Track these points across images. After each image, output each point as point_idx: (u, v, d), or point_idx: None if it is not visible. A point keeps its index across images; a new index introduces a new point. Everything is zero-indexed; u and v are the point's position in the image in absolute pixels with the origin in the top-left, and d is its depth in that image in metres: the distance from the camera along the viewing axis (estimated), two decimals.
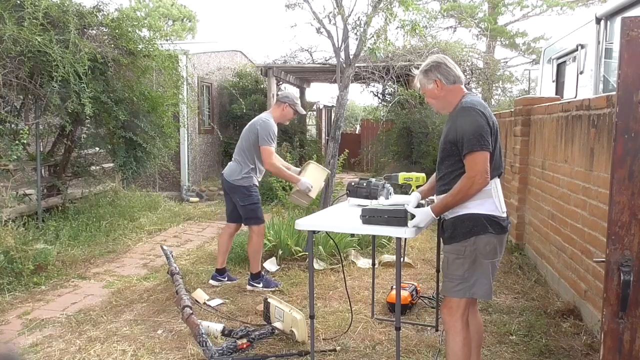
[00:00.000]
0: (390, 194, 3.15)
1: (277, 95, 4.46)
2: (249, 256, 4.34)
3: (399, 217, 2.46)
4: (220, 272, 4.44)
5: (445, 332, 2.56)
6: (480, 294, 2.41)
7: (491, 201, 2.35)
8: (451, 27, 17.09)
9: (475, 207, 2.34)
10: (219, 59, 11.36)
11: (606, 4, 5.19)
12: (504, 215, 2.39)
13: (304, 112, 4.19)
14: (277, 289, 4.24)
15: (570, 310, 3.66)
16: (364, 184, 3.10)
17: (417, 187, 2.96)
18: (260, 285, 4.26)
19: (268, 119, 4.20)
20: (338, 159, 6.27)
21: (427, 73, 2.48)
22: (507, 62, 16.05)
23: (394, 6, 8.28)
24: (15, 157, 4.89)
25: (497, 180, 2.40)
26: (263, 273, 4.40)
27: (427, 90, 2.50)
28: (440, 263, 2.86)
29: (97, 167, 7.27)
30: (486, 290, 2.41)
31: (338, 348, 3.18)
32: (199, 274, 4.71)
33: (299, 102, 4.36)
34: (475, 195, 2.31)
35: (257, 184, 4.27)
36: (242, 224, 4.37)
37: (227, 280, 4.45)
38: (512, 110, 5.90)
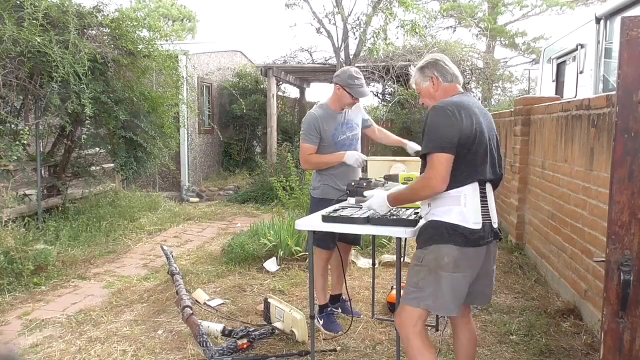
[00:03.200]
0: None
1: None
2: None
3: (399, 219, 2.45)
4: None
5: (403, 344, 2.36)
6: (435, 307, 2.21)
7: (457, 210, 2.15)
8: (451, 26, 17.08)
9: (441, 214, 2.19)
10: (219, 59, 11.36)
11: (606, 4, 5.19)
12: (476, 227, 2.15)
13: (366, 95, 3.45)
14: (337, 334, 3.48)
15: (570, 310, 3.66)
16: (364, 184, 3.10)
17: None
18: (322, 322, 3.54)
19: (311, 111, 3.50)
20: None
21: (424, 70, 2.37)
22: (506, 61, 16.06)
23: (394, 6, 8.29)
24: (16, 157, 4.89)
25: (472, 187, 2.17)
26: (329, 307, 3.66)
27: (422, 89, 2.39)
28: None
29: (97, 168, 7.27)
30: (441, 305, 2.19)
31: (338, 348, 3.18)
32: (199, 274, 4.71)
33: (355, 80, 3.34)
34: (428, 198, 2.22)
35: (329, 197, 3.37)
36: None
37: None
38: (512, 110, 5.90)
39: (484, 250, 2.23)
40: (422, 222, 2.36)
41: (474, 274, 2.24)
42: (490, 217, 2.24)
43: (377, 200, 2.43)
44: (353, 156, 3.34)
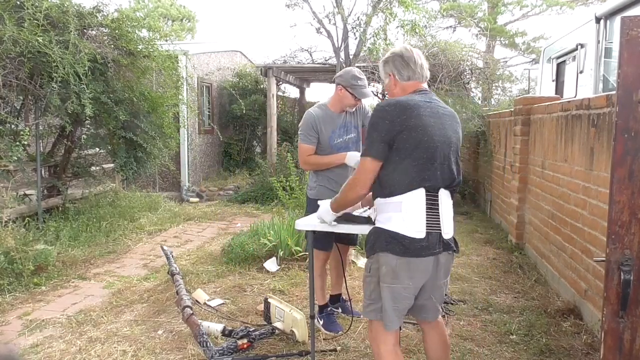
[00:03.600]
0: None
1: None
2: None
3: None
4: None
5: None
6: (385, 319, 2.10)
7: (398, 217, 2.03)
8: (451, 26, 17.08)
9: (383, 221, 2.09)
10: (219, 59, 11.36)
11: (606, 4, 5.19)
12: (418, 236, 2.01)
13: (368, 96, 3.40)
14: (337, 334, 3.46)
15: (570, 310, 3.66)
16: None
17: None
18: (322, 322, 3.53)
19: (309, 111, 3.42)
20: None
21: (384, 66, 2.25)
22: (506, 61, 16.05)
23: (394, 6, 8.29)
24: (16, 157, 4.89)
25: (412, 195, 2.02)
26: (329, 307, 3.65)
27: (385, 85, 2.27)
28: None
29: (97, 168, 7.27)
30: (388, 318, 2.09)
31: (338, 348, 3.18)
32: (199, 274, 4.71)
33: (358, 81, 3.27)
34: (355, 201, 2.24)
35: (323, 198, 3.33)
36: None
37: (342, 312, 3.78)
38: (512, 109, 5.90)
39: (431, 261, 2.07)
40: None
41: (418, 285, 2.11)
42: (439, 226, 2.06)
43: (323, 208, 2.44)
44: (354, 158, 3.22)
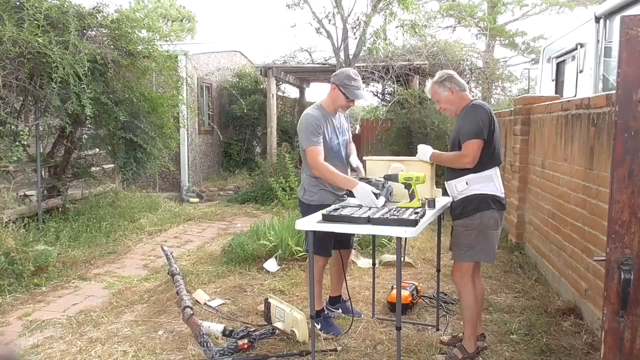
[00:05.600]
0: (391, 193, 3.14)
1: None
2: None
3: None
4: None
5: (458, 292, 3.09)
6: (485, 258, 2.97)
7: (492, 184, 2.90)
8: (450, 26, 17.10)
9: (480, 189, 2.88)
10: (219, 60, 11.36)
11: (605, 3, 5.19)
12: (503, 195, 2.95)
13: (361, 97, 3.33)
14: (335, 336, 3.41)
15: (570, 309, 3.66)
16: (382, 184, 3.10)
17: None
18: (319, 326, 3.45)
19: (308, 112, 3.30)
20: None
21: (444, 83, 2.99)
22: (506, 61, 16.07)
23: (393, 6, 8.29)
24: (16, 158, 4.89)
25: (496, 169, 2.94)
26: (326, 312, 3.60)
27: (444, 98, 3.00)
28: (451, 239, 3.11)
29: (97, 168, 7.27)
30: (490, 255, 2.96)
31: (339, 348, 3.18)
32: (200, 274, 4.71)
33: (351, 81, 3.24)
34: (457, 168, 2.92)
35: (329, 202, 3.25)
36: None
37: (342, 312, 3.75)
38: (512, 109, 5.90)
39: (503, 214, 2.99)
40: (457, 198, 2.97)
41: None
42: (502, 190, 2.98)
43: (423, 148, 3.16)
44: (364, 192, 2.95)
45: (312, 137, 3.18)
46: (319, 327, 3.43)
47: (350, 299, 3.57)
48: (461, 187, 2.94)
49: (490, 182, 2.90)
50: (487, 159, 2.89)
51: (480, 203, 2.88)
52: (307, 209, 3.30)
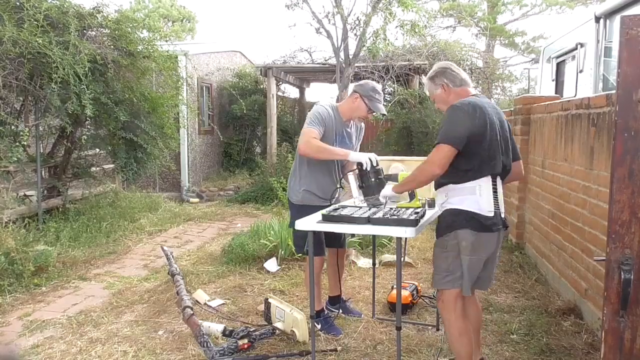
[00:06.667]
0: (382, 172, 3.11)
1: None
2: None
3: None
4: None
5: (443, 324, 2.73)
6: (469, 286, 2.50)
7: (473, 199, 2.42)
8: (450, 26, 17.10)
9: (456, 203, 2.45)
10: (219, 60, 11.36)
11: (605, 3, 5.19)
12: (489, 214, 2.42)
13: (382, 112, 3.30)
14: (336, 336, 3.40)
15: (570, 309, 3.66)
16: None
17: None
18: (319, 326, 3.45)
19: (323, 105, 3.27)
20: None
21: (434, 79, 2.62)
22: (506, 61, 16.08)
23: (393, 6, 8.29)
24: (16, 158, 4.89)
25: (486, 180, 2.43)
26: (326, 311, 3.63)
27: (436, 96, 2.65)
28: None
29: (98, 168, 7.27)
30: (466, 285, 2.49)
31: (339, 348, 3.18)
32: (200, 274, 4.71)
33: (377, 96, 3.22)
34: (426, 182, 2.52)
35: (312, 203, 3.24)
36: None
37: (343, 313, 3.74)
38: (512, 109, 5.90)
39: (496, 236, 2.49)
40: (436, 213, 2.63)
41: (487, 257, 2.50)
42: (499, 207, 2.48)
43: (386, 190, 2.75)
44: (356, 156, 3.01)
45: (314, 121, 3.16)
46: (318, 327, 3.43)
47: (350, 298, 3.57)
48: (441, 199, 2.57)
49: (471, 196, 2.41)
50: (468, 168, 2.41)
51: (453, 220, 2.44)
52: (292, 208, 3.41)
